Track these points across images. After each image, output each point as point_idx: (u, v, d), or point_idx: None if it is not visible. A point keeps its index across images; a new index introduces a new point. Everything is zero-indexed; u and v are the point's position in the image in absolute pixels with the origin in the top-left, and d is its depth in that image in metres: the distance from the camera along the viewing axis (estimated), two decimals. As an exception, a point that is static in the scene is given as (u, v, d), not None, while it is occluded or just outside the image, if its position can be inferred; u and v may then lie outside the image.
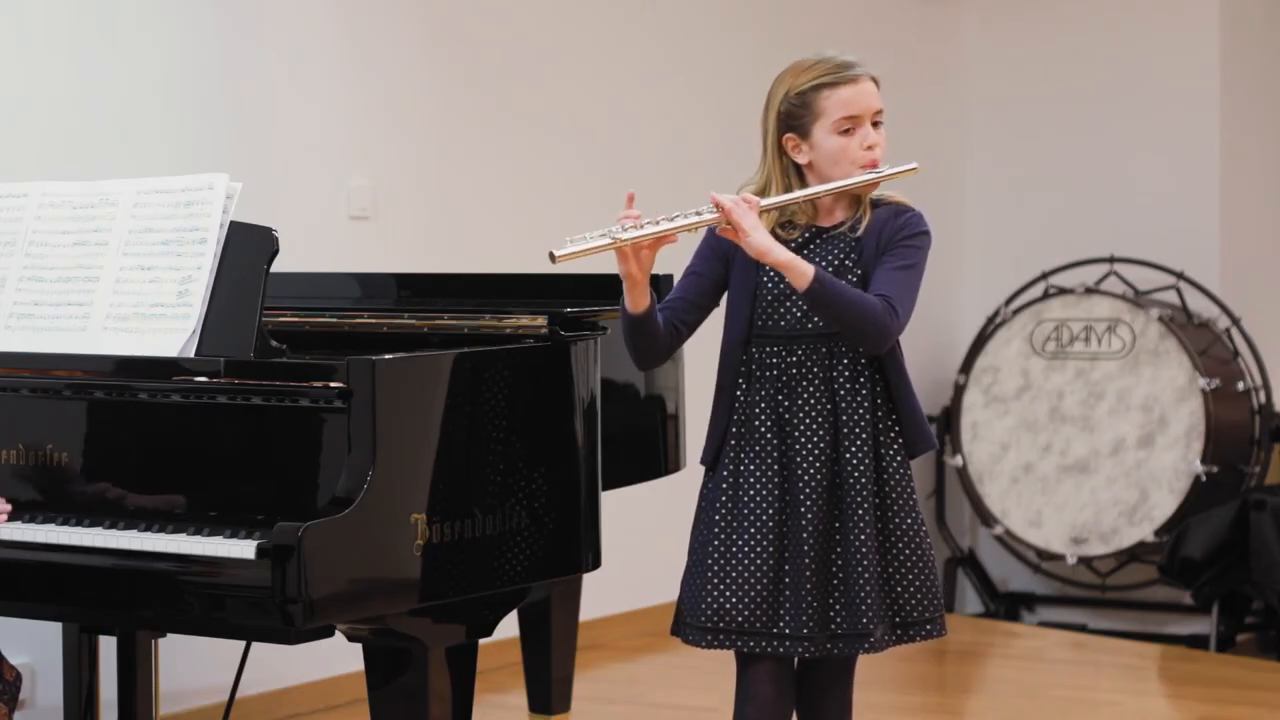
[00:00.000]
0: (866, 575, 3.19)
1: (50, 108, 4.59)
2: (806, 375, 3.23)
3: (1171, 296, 6.76)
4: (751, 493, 3.22)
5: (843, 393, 3.22)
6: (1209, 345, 6.54)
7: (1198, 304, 6.72)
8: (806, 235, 3.25)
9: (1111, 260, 6.83)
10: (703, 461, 3.32)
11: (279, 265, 3.30)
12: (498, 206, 5.68)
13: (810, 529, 3.18)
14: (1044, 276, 6.89)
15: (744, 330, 3.26)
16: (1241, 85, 6.99)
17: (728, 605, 3.20)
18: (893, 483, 3.24)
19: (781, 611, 3.20)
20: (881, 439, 3.24)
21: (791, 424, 3.22)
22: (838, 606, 3.20)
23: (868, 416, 3.22)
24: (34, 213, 3.52)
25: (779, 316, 3.24)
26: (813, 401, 3.22)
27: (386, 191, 5.38)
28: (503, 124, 5.71)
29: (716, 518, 3.24)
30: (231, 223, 3.33)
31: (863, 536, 3.19)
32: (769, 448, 3.23)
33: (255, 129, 5.03)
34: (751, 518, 3.22)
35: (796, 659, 3.28)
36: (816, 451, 3.21)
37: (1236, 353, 6.64)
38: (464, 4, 5.62)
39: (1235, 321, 6.69)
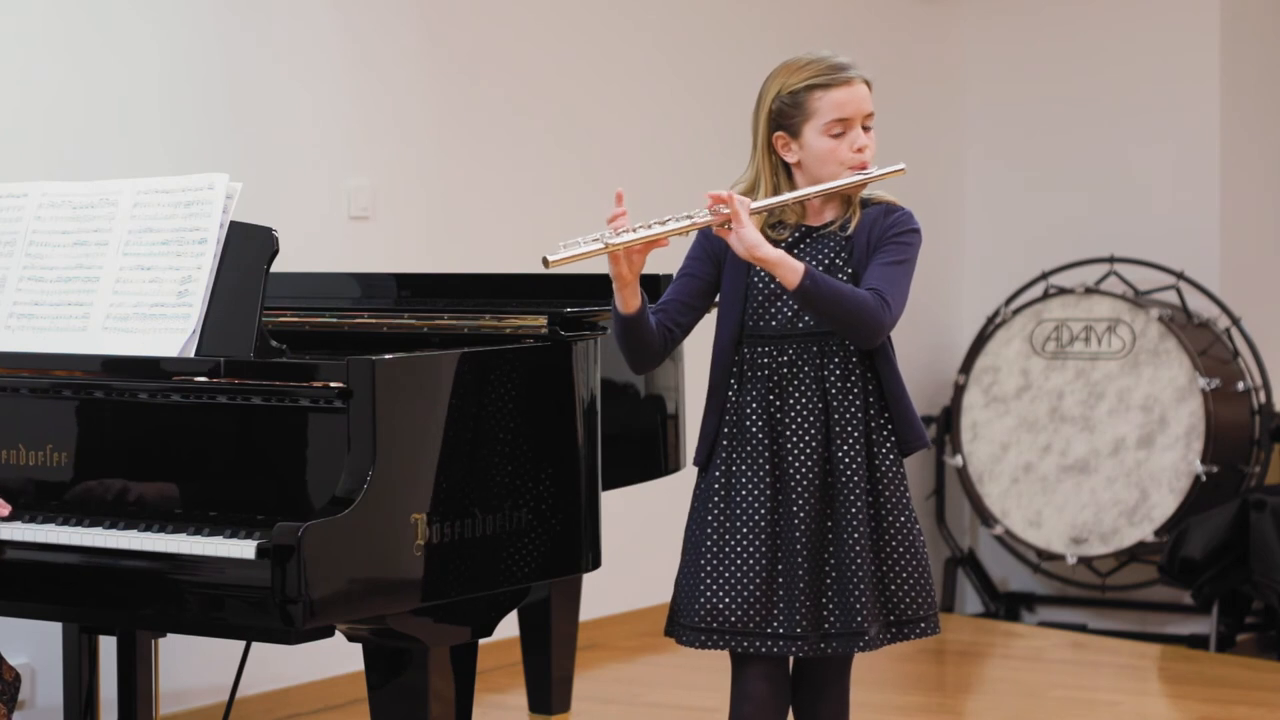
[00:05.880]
0: (861, 574, 3.18)
1: (50, 108, 4.59)
2: (798, 375, 3.22)
3: (1171, 296, 6.76)
4: (744, 493, 3.22)
5: (834, 391, 3.22)
6: (1209, 345, 6.54)
7: (1198, 304, 6.72)
8: (796, 235, 3.25)
9: (1111, 260, 6.83)
10: (695, 462, 3.32)
11: (279, 265, 3.30)
12: (498, 206, 5.68)
13: (803, 528, 3.18)
14: (1044, 276, 6.89)
15: (735, 331, 3.26)
16: (1241, 85, 6.99)
17: (721, 605, 3.20)
18: (886, 480, 3.23)
19: (775, 611, 3.19)
20: (874, 437, 3.23)
21: (783, 424, 3.22)
22: (831, 605, 3.20)
23: (859, 415, 3.22)
24: (34, 213, 3.51)
25: (769, 316, 3.24)
26: (804, 401, 3.22)
27: (386, 191, 5.38)
28: (502, 124, 5.71)
29: (709, 518, 3.24)
30: (231, 223, 3.33)
31: (856, 535, 3.19)
32: (760, 448, 3.22)
33: (255, 129, 5.03)
34: (744, 518, 3.21)
35: (792, 658, 3.28)
36: (808, 451, 3.20)
37: (1236, 353, 6.64)
38: (464, 5, 5.62)
39: (1235, 321, 6.69)
